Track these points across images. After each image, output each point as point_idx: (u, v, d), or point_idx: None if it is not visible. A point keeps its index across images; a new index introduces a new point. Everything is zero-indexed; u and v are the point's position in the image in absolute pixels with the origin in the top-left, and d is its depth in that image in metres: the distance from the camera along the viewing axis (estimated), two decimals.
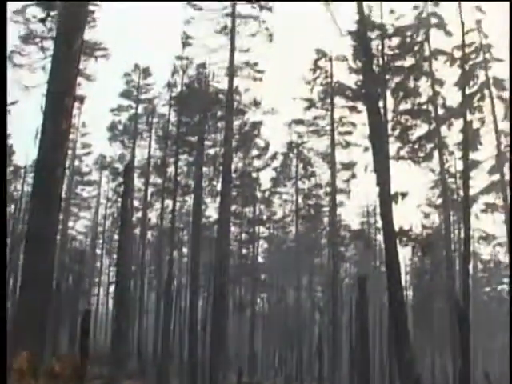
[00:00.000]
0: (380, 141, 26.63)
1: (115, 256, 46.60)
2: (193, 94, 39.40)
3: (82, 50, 19.14)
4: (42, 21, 26.20)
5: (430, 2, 38.56)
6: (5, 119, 16.52)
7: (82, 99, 40.37)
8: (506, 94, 40.22)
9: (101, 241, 66.97)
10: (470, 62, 39.88)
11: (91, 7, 26.13)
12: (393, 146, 33.75)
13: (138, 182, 52.71)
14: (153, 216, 55.60)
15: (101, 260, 68.54)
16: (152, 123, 50.81)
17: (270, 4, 36.02)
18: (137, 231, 55.80)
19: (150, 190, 50.58)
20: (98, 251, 68.68)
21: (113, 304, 42.01)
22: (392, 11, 35.39)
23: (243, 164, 44.25)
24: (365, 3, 28.79)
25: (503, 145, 42.26)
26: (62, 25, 18.30)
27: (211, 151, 40.16)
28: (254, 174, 47.26)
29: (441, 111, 38.66)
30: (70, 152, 48.08)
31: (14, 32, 28.51)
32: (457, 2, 33.48)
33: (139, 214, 53.55)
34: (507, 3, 18.06)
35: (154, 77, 52.29)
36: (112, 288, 60.60)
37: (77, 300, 44.27)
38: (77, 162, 58.43)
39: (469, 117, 37.73)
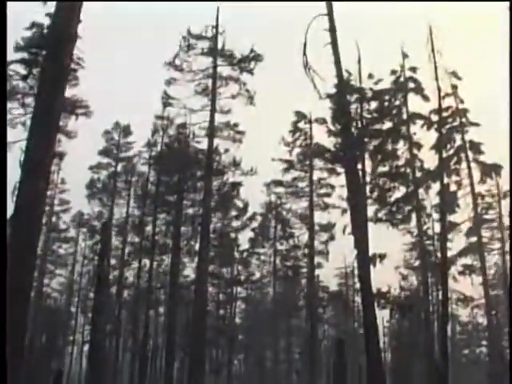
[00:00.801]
0: (358, 203, 26.74)
1: (90, 314, 45.86)
2: (172, 154, 39.57)
3: (63, 107, 19.17)
4: (25, 78, 26.35)
5: (407, 67, 39.36)
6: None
7: (61, 156, 40.30)
8: (482, 157, 40.89)
9: (76, 299, 65.93)
10: (447, 126, 40.49)
11: (73, 65, 26.32)
12: (371, 208, 33.92)
13: (115, 241, 52.26)
14: (130, 275, 54.91)
15: (75, 318, 67.34)
16: (131, 182, 50.74)
17: (251, 66, 36.54)
18: (113, 290, 55.08)
19: (128, 248, 50.19)
20: (73, 309, 67.55)
21: (87, 363, 41.18)
22: (370, 75, 36.01)
23: (222, 224, 44.12)
24: (344, 67, 29.21)
25: (480, 207, 42.71)
26: (44, 82, 18.34)
27: (190, 211, 40.15)
28: (233, 235, 47.08)
29: (418, 174, 38.99)
30: (47, 208, 47.80)
31: None
32: (433, 68, 34.36)
33: (116, 273, 52.91)
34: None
35: (135, 135, 52.45)
36: (86, 347, 59.44)
37: (50, 359, 43.35)
38: (54, 219, 57.92)
39: (446, 180, 38.11)
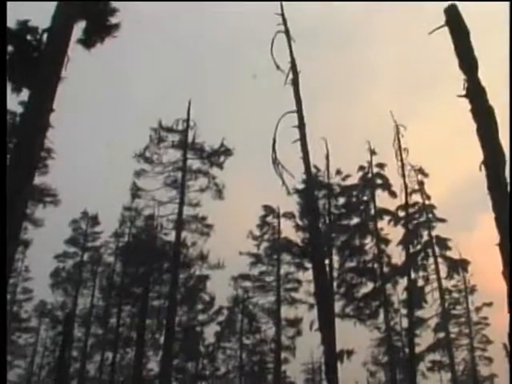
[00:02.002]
0: (325, 299, 26.56)
1: None
2: (140, 245, 39.28)
3: (30, 195, 19.01)
4: None
5: (374, 164, 40.00)
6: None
7: (26, 244, 39.74)
8: (449, 253, 41.27)
9: None
10: (414, 222, 41.01)
11: (43, 154, 26.30)
12: (338, 304, 33.81)
13: (78, 332, 51.01)
14: (91, 368, 53.44)
15: None
16: (97, 272, 50.02)
17: (221, 160, 36.95)
18: (74, 383, 53.44)
19: (91, 340, 48.99)
20: None
21: None
22: (339, 171, 36.71)
23: (188, 317, 43.42)
24: (312, 163, 29.55)
25: (447, 302, 42.72)
26: (11, 170, 18.23)
27: (155, 303, 39.52)
28: (199, 328, 46.32)
29: (386, 269, 39.08)
30: (9, 297, 46.75)
31: None
32: (400, 164, 35.00)
33: (77, 365, 51.47)
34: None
35: (102, 225, 52.08)
36: None
37: None
38: (16, 308, 56.62)
39: (413, 275, 38.30)
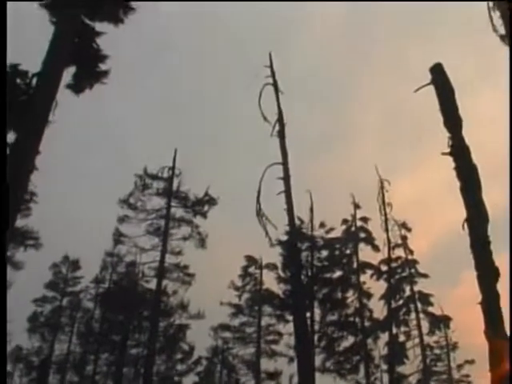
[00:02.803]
0: (306, 352, 26.39)
1: None
2: (120, 292, 38.89)
3: (11, 237, 18.83)
4: None
5: (358, 217, 40.14)
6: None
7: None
8: (431, 309, 41.21)
9: None
10: (396, 277, 40.97)
11: (26, 196, 26.19)
12: (319, 357, 33.48)
13: (53, 379, 50.00)
14: None
15: None
16: (75, 317, 49.33)
17: (205, 209, 36.96)
18: None
19: None
20: None
21: None
22: (322, 224, 36.70)
23: (166, 367, 42.75)
24: (296, 215, 29.69)
25: (428, 359, 42.44)
26: None
27: (134, 351, 38.94)
28: (177, 378, 45.59)
29: (367, 323, 38.87)
30: None
31: None
32: (383, 219, 35.20)
33: None
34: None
35: (83, 269, 51.56)
36: None
37: None
38: None
39: (395, 330, 38.14)
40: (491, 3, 19.36)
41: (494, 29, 18.97)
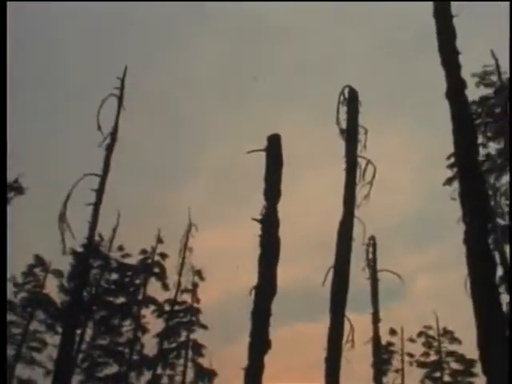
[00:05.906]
0: (65, 369, 25.71)
1: None
2: None
3: None
4: None
5: (158, 252, 39.94)
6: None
7: None
8: (202, 360, 41.47)
9: None
10: (176, 320, 41.07)
11: None
12: (77, 378, 32.63)
13: None
14: None
15: None
16: None
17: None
18: None
19: None
20: None
21: None
22: (121, 248, 36.34)
23: None
24: (98, 232, 29.17)
25: None
26: None
27: None
28: None
29: (136, 357, 38.49)
30: None
31: None
32: (180, 260, 35.35)
33: None
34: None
35: None
36: None
37: None
38: None
39: (160, 370, 38.11)
40: (342, 97, 20.48)
41: (338, 122, 20.00)
